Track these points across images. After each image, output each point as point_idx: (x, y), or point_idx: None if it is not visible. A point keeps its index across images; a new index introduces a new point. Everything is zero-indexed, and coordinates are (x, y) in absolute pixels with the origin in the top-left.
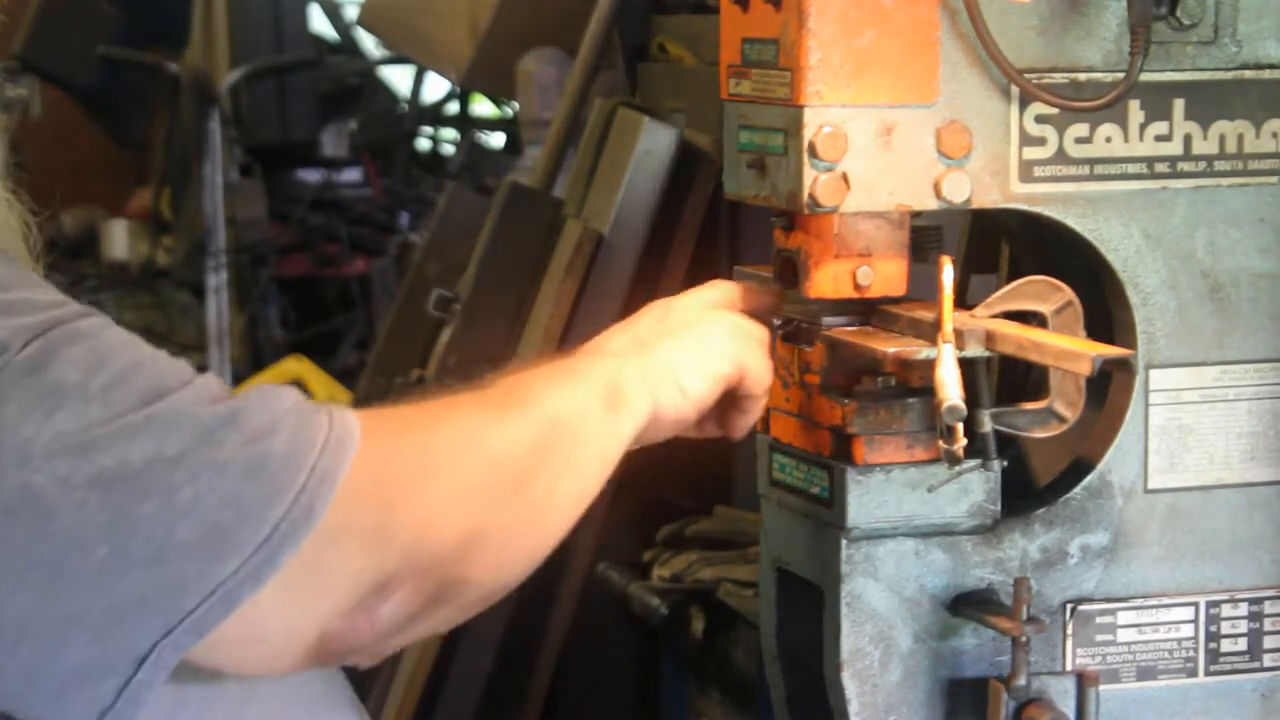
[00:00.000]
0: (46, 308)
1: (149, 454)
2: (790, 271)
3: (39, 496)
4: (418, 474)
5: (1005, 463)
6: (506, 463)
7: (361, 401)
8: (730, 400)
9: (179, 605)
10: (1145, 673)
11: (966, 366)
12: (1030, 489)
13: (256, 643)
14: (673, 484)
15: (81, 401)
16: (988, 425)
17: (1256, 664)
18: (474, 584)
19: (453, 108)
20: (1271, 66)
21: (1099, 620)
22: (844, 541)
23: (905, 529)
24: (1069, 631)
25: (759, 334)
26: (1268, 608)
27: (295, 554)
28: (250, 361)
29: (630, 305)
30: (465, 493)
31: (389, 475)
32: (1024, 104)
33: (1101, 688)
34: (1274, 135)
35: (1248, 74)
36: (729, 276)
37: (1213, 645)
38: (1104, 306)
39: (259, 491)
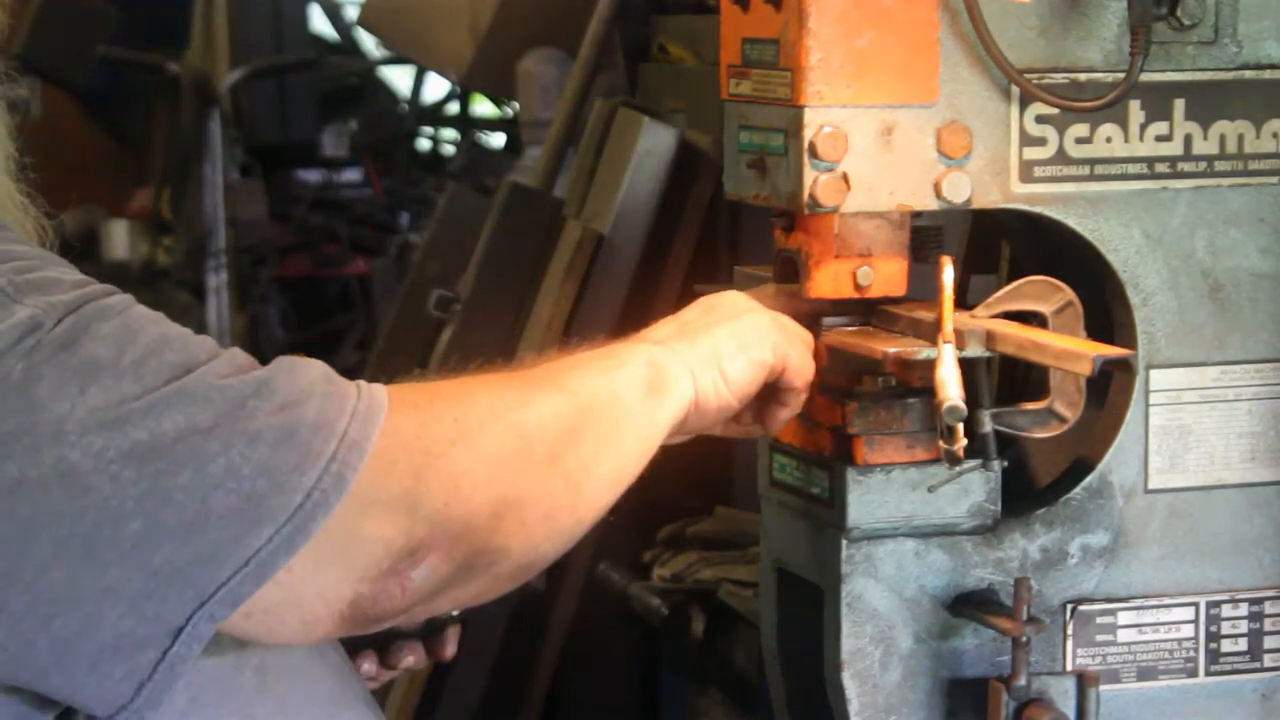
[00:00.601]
0: (75, 286)
1: (181, 426)
2: (790, 271)
3: (74, 471)
4: (446, 442)
5: (1005, 463)
6: (537, 434)
7: None
8: (770, 393)
9: (214, 575)
10: (1145, 673)
11: (967, 366)
12: (1030, 489)
13: (290, 610)
14: (673, 484)
15: (113, 377)
16: (988, 425)
17: (1257, 664)
18: (507, 553)
19: (453, 108)
20: (1271, 66)
21: (1099, 620)
22: (844, 541)
23: (905, 529)
24: (1069, 632)
25: (802, 330)
26: (1268, 608)
27: (327, 521)
28: None
29: (630, 305)
30: (494, 461)
31: (417, 443)
32: (1024, 104)
33: (1102, 688)
34: (1274, 135)
35: (1248, 74)
36: (729, 276)
37: (1213, 645)
38: (1104, 306)
39: (291, 460)
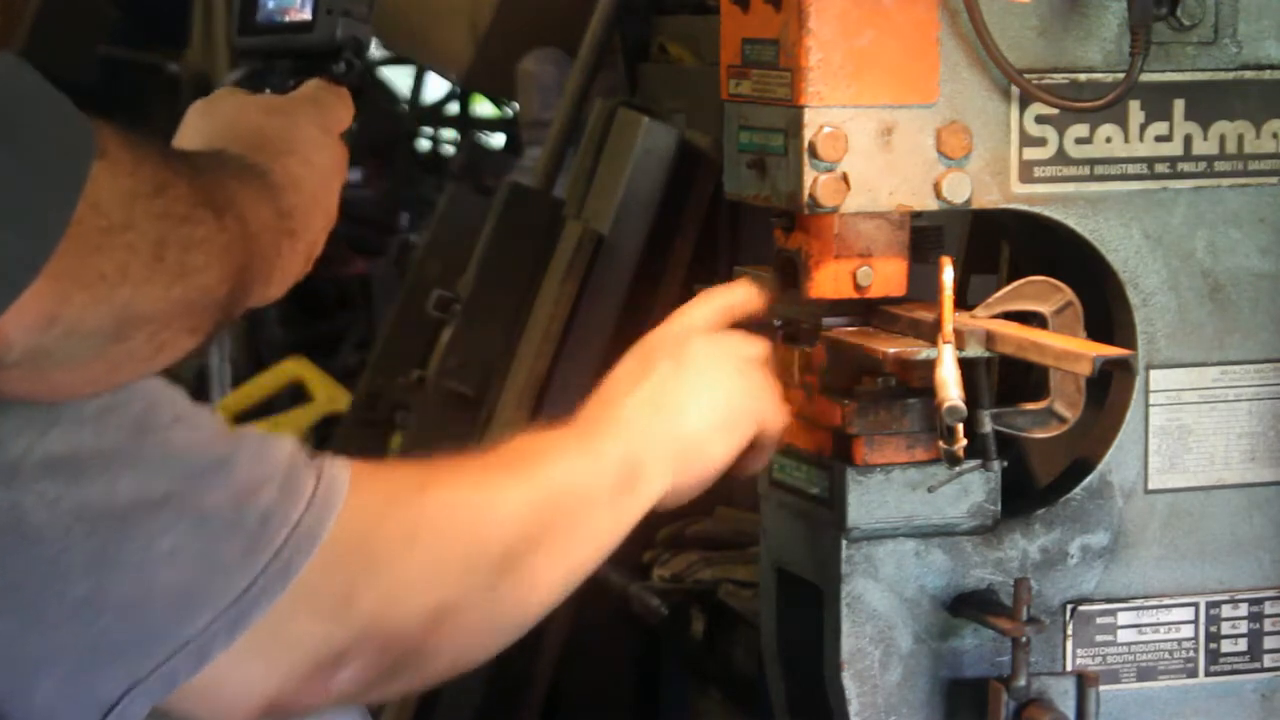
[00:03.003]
0: None
1: (135, 492)
2: (790, 271)
3: (25, 518)
4: (396, 541)
5: (1005, 463)
6: (493, 541)
7: (362, 402)
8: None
9: (150, 655)
10: (1145, 673)
11: (966, 367)
12: (1030, 489)
13: (212, 695)
14: None
15: (75, 424)
16: (988, 425)
17: (1256, 664)
18: (438, 656)
19: (453, 108)
20: (1271, 67)
21: (1099, 621)
22: (844, 542)
23: (905, 529)
24: (1069, 632)
25: (770, 380)
26: (1268, 608)
27: (273, 607)
28: (250, 362)
29: (630, 305)
30: (441, 569)
31: (366, 543)
32: (1024, 104)
33: (1101, 688)
34: (1274, 135)
35: (1248, 74)
36: (729, 277)
37: (1213, 645)
38: (1104, 306)
39: (240, 545)
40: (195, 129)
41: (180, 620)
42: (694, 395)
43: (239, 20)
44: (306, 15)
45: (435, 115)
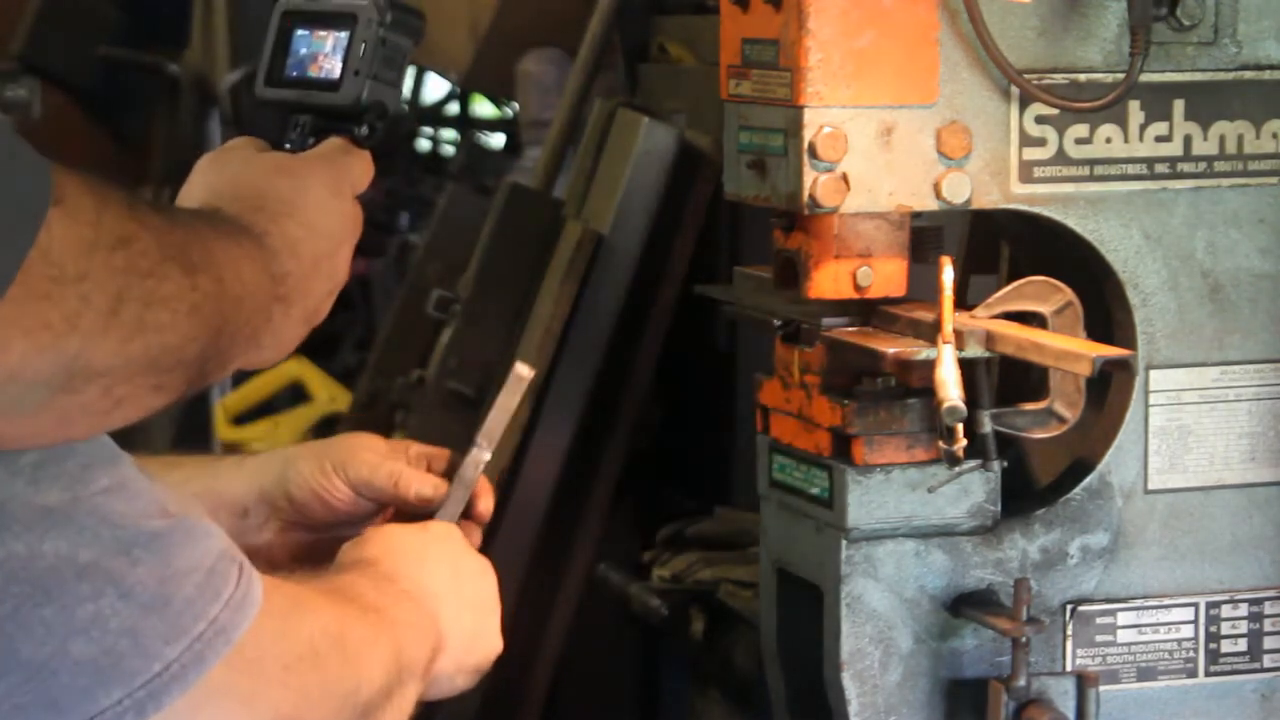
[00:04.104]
0: None
1: (61, 553)
2: (790, 272)
3: None
4: (303, 659)
5: (1005, 463)
6: (364, 689)
7: (362, 402)
8: None
9: None
10: (1145, 673)
11: (966, 367)
12: (1030, 489)
13: None
14: (673, 484)
15: (9, 473)
16: (988, 426)
17: (1256, 664)
18: None
19: (453, 108)
20: (1271, 67)
21: (1099, 621)
22: (844, 542)
23: (905, 529)
24: (1069, 632)
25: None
26: (1268, 608)
27: (181, 698)
28: None
29: (630, 305)
30: (329, 695)
31: (273, 652)
32: (1024, 104)
33: (1101, 688)
34: (1274, 136)
35: (1248, 74)
36: (729, 277)
37: (1213, 646)
38: (1104, 307)
39: (159, 628)
40: (200, 182)
41: (90, 693)
42: (482, 624)
43: (266, 69)
44: (335, 73)
45: (435, 115)
